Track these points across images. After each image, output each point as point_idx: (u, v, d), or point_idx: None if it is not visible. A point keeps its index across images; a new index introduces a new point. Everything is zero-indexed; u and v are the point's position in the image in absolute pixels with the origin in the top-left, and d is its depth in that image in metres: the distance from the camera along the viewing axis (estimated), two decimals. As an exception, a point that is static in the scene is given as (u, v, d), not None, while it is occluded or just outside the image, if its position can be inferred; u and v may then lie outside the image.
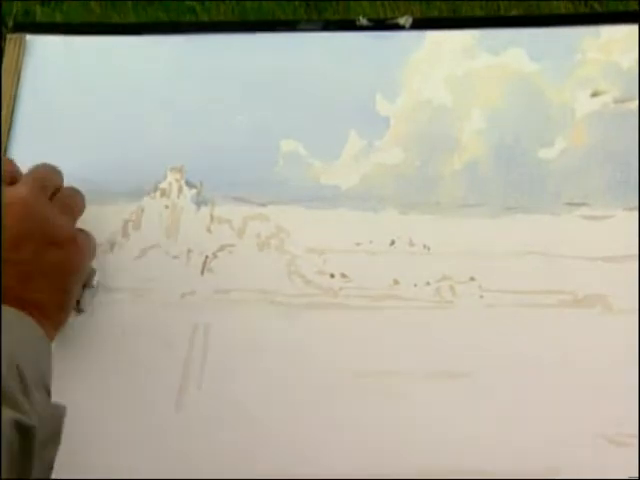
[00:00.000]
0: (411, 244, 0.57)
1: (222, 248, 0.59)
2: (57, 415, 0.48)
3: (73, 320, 0.55)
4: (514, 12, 1.29)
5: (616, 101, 0.59)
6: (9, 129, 0.62)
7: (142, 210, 0.60)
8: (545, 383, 0.53)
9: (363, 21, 0.62)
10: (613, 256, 0.55)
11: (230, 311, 0.57)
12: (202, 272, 0.58)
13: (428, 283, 0.56)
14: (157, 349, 0.56)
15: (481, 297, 0.56)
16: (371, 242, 0.58)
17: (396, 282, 0.56)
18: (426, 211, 0.58)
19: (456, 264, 0.56)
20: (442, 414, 0.54)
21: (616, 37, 0.60)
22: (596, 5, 1.27)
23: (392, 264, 0.57)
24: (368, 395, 0.54)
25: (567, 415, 0.53)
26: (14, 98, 0.63)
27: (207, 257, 0.58)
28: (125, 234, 0.59)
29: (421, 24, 0.62)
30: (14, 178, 0.54)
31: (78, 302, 0.55)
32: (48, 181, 0.54)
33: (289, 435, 0.54)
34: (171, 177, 0.60)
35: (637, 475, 0.51)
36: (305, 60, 0.62)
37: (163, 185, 0.60)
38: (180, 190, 0.60)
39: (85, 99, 0.63)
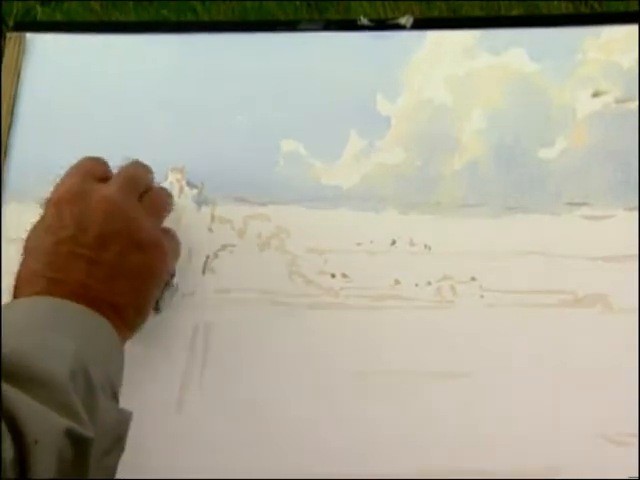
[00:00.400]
0: (412, 244, 0.57)
1: (223, 248, 0.59)
2: (123, 420, 0.47)
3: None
4: (515, 12, 1.29)
5: (617, 101, 0.59)
6: (9, 128, 0.62)
7: (143, 210, 0.60)
8: (545, 383, 0.54)
9: (364, 21, 0.62)
10: (613, 256, 0.55)
11: (231, 311, 0.57)
12: (203, 272, 0.58)
13: (429, 283, 0.56)
14: (158, 349, 0.56)
15: (482, 297, 0.56)
16: (372, 242, 0.58)
17: (397, 282, 0.56)
18: (427, 211, 0.58)
19: (457, 264, 0.56)
20: (442, 414, 0.54)
21: (616, 37, 0.60)
22: (596, 5, 1.27)
23: (393, 264, 0.57)
24: (368, 395, 0.54)
25: (567, 415, 0.53)
26: (14, 97, 0.63)
27: (208, 257, 0.58)
28: (126, 234, 0.59)
29: (422, 24, 0.62)
30: (105, 176, 0.53)
31: (157, 302, 0.55)
32: (138, 180, 0.54)
33: (289, 435, 0.54)
34: (172, 177, 0.60)
35: (637, 475, 0.51)
36: (306, 60, 0.62)
37: (164, 185, 0.60)
38: (181, 190, 0.60)
39: (85, 98, 0.63)
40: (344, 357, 0.55)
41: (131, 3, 1.43)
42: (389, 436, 0.53)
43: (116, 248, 0.50)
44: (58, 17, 1.42)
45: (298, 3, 1.39)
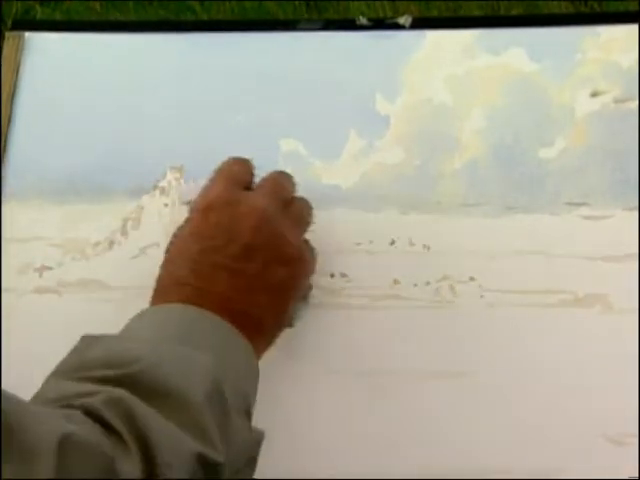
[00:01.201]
0: (411, 244, 0.57)
1: (222, 247, 0.58)
2: (255, 441, 0.45)
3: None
4: (514, 12, 1.29)
5: (616, 101, 0.59)
6: (8, 127, 0.62)
7: (142, 209, 0.60)
8: (545, 383, 0.53)
9: (363, 21, 0.62)
10: (613, 256, 0.55)
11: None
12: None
13: (428, 283, 0.56)
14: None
15: (481, 297, 0.55)
16: (371, 242, 0.58)
17: (396, 282, 0.56)
18: (426, 211, 0.58)
19: (456, 264, 0.56)
20: (442, 414, 0.54)
21: (616, 37, 0.60)
22: (596, 5, 1.27)
23: (392, 264, 0.57)
24: (368, 395, 0.54)
25: (567, 415, 0.53)
26: (13, 96, 0.63)
27: (207, 256, 0.58)
28: (124, 232, 0.59)
29: (421, 24, 0.62)
30: (248, 184, 0.52)
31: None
32: (284, 191, 0.53)
33: (289, 435, 0.54)
34: (171, 176, 0.60)
35: (637, 475, 0.51)
36: (305, 60, 0.62)
37: (163, 184, 0.60)
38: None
39: (84, 97, 0.63)
40: (343, 356, 0.55)
41: (131, 3, 1.43)
42: (388, 436, 0.53)
43: (261, 261, 0.48)
44: (58, 17, 1.42)
45: (297, 3, 1.39)
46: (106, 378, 0.41)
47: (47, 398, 0.41)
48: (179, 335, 0.45)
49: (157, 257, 0.51)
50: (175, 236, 0.51)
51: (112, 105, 0.63)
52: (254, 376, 0.48)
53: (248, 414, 0.45)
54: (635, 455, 0.51)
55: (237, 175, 0.52)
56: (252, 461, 0.45)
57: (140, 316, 0.47)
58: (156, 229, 0.59)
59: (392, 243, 0.57)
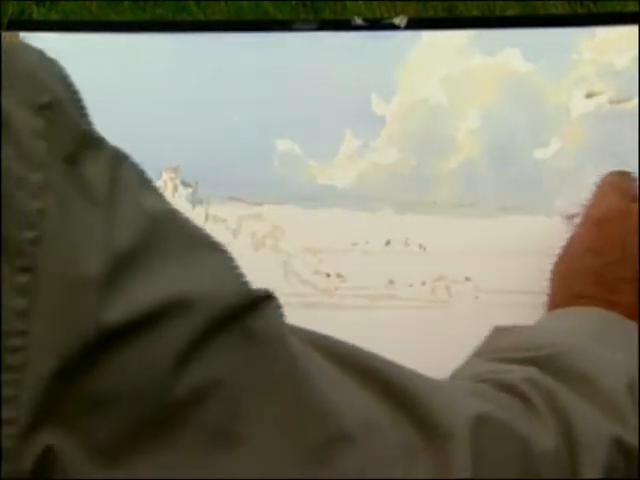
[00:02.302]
0: (407, 244, 0.57)
1: (217, 248, 0.58)
2: None
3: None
4: (510, 12, 1.29)
5: (611, 102, 0.59)
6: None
7: (137, 209, 0.60)
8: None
9: (358, 21, 0.62)
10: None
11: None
12: (197, 271, 0.58)
13: (424, 283, 0.56)
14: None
15: (476, 297, 0.56)
16: (367, 242, 0.58)
17: (392, 282, 0.56)
18: (422, 211, 0.58)
19: (452, 264, 0.56)
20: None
21: (611, 38, 0.60)
22: (591, 6, 1.27)
23: (388, 264, 0.57)
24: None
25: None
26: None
27: (202, 256, 0.58)
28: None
29: (416, 24, 0.62)
30: (635, 196, 0.53)
31: None
32: None
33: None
34: (166, 176, 0.60)
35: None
36: (301, 60, 0.62)
37: (158, 184, 0.60)
38: (175, 189, 0.60)
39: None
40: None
41: (127, 3, 1.43)
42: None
43: None
44: (53, 17, 1.42)
45: (294, 3, 1.39)
46: (516, 359, 0.42)
47: (462, 376, 0.42)
48: (592, 332, 0.45)
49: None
50: (565, 250, 0.52)
51: (107, 105, 0.62)
52: None
53: None
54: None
55: (623, 186, 0.53)
56: None
57: (550, 315, 0.48)
58: (152, 229, 0.59)
59: (388, 243, 0.57)
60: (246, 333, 0.31)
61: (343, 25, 0.63)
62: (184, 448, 0.29)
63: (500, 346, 0.44)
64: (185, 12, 1.41)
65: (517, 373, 0.40)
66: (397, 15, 0.62)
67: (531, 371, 0.40)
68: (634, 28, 0.60)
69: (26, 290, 0.28)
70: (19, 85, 0.30)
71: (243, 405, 0.30)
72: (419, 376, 0.37)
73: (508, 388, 0.39)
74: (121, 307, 0.28)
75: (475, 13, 1.30)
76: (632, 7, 1.07)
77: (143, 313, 0.29)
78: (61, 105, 0.31)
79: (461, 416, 0.34)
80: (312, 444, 0.31)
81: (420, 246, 0.57)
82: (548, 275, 0.55)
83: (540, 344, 0.42)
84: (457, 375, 0.43)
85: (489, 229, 0.57)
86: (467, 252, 0.57)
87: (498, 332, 0.46)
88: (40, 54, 0.33)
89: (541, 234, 0.56)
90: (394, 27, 0.62)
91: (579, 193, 0.57)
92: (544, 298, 0.55)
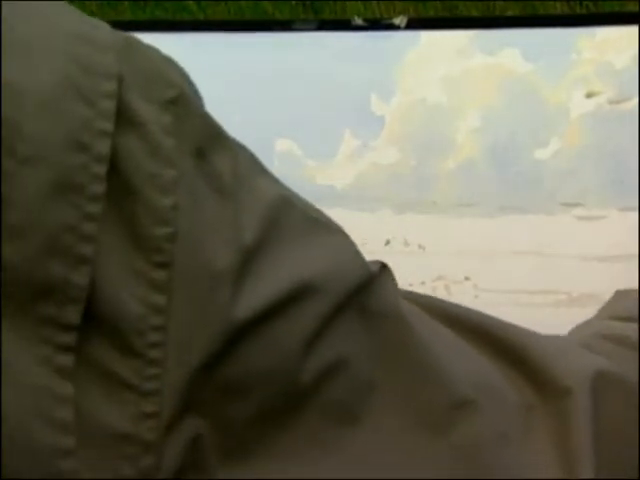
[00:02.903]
0: (406, 244, 0.57)
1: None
2: None
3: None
4: (509, 12, 1.30)
5: (610, 102, 0.59)
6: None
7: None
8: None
9: (358, 21, 0.62)
10: (607, 256, 0.55)
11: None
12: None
13: (423, 283, 0.56)
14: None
15: (476, 297, 0.56)
16: (366, 242, 0.58)
17: (391, 282, 0.56)
18: (421, 211, 0.58)
19: (451, 264, 0.56)
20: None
21: (611, 38, 0.60)
22: (591, 6, 1.27)
23: (387, 264, 0.57)
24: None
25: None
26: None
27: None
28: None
29: (416, 24, 0.62)
30: None
31: None
32: None
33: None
34: (166, 176, 0.60)
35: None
36: (300, 60, 0.62)
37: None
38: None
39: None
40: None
41: (126, 2, 1.43)
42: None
43: None
44: (53, 17, 1.42)
45: (294, 3, 1.39)
46: (631, 318, 0.41)
47: (579, 334, 0.41)
48: None
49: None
50: None
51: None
52: None
53: None
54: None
55: None
56: None
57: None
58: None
59: (387, 243, 0.57)
60: (366, 308, 0.31)
61: (343, 25, 0.63)
62: (309, 429, 0.29)
63: (617, 308, 0.43)
64: (185, 12, 1.41)
65: (632, 327, 0.39)
66: (397, 15, 0.62)
67: None
68: (634, 28, 0.60)
69: (164, 286, 0.28)
70: (145, 80, 0.30)
71: (366, 381, 0.30)
72: (532, 333, 0.36)
73: (622, 340, 0.38)
74: (252, 300, 0.28)
75: (475, 13, 1.30)
76: (632, 7, 1.07)
77: (273, 302, 0.29)
78: (186, 99, 0.31)
79: (579, 372, 0.34)
80: (435, 412, 0.31)
81: (419, 246, 0.57)
82: (548, 275, 0.55)
83: None
84: (574, 333, 0.42)
85: (489, 229, 0.57)
86: (467, 252, 0.57)
87: (618, 296, 0.45)
88: (158, 50, 0.33)
89: (541, 234, 0.57)
90: (394, 27, 0.62)
91: (579, 193, 0.57)
92: (544, 297, 0.55)
